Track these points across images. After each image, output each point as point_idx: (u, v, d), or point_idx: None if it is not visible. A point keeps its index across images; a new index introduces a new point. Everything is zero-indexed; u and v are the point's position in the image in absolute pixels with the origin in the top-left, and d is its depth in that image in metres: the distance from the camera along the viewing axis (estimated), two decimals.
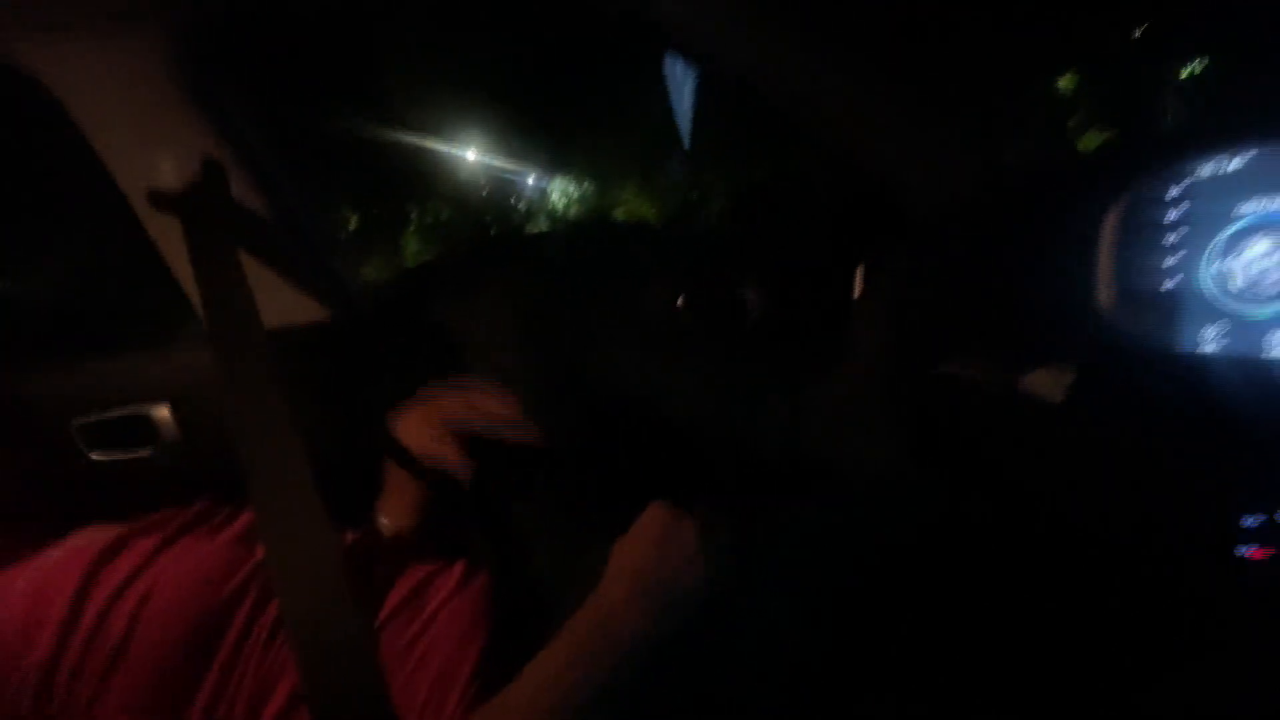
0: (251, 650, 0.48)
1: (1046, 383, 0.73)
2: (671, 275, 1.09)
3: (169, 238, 0.78)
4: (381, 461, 0.78)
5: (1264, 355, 0.44)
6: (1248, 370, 0.45)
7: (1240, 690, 0.52)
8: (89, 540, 0.49)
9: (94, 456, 0.86)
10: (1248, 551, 0.48)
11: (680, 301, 1.07)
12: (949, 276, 0.89)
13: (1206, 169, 0.47)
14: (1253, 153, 0.44)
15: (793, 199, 1.17)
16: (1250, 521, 0.48)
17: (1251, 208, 0.44)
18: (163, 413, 0.86)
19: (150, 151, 0.73)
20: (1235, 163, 0.45)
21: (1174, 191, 0.50)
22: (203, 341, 0.85)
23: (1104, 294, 0.57)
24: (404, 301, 1.15)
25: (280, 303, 0.85)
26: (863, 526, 0.67)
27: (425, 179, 8.54)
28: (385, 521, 0.67)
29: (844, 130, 0.96)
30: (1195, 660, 0.55)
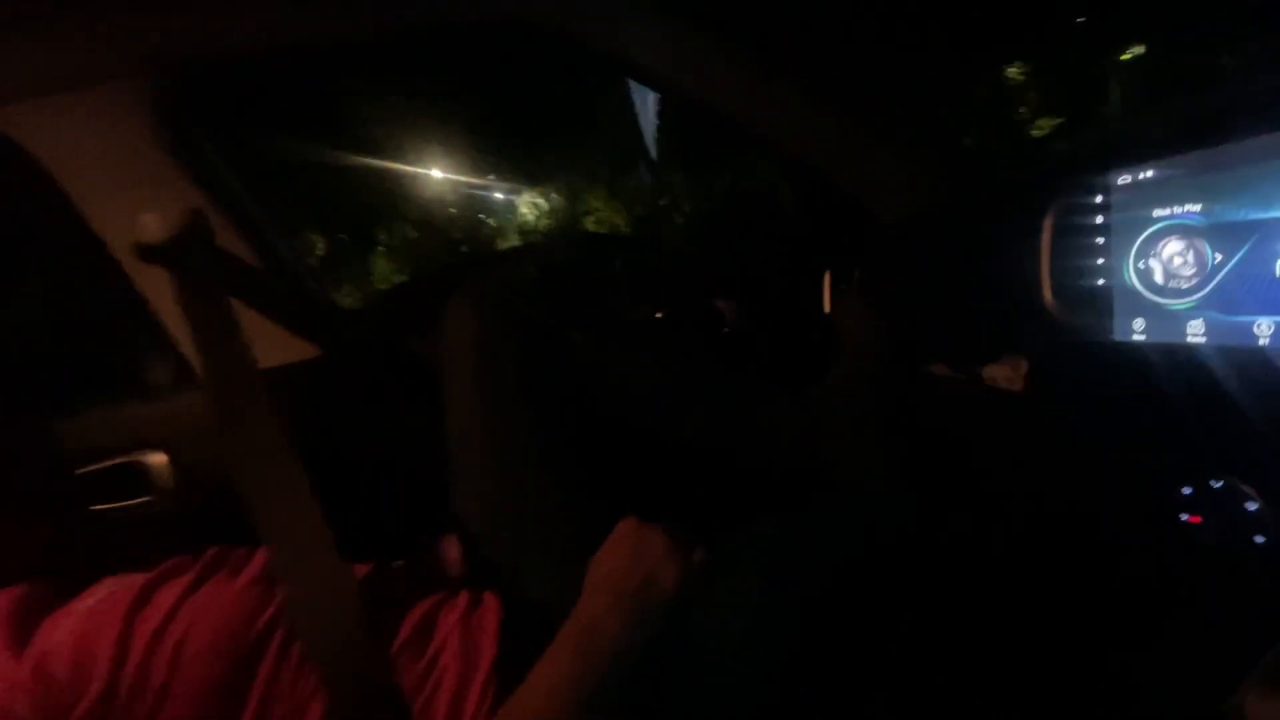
0: (284, 680, 0.50)
1: (1007, 374, 0.78)
2: (648, 290, 1.13)
3: (157, 289, 0.80)
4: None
5: (1182, 340, 0.49)
6: (1172, 355, 0.50)
7: (1191, 644, 0.57)
8: (118, 588, 0.51)
9: (93, 507, 0.87)
10: (1187, 518, 0.54)
11: (658, 315, 1.11)
12: (910, 278, 0.94)
13: (1125, 178, 0.52)
14: (1163, 164, 0.50)
15: (760, 213, 1.22)
16: (1187, 490, 0.54)
17: (1164, 212, 0.49)
18: (159, 460, 0.87)
19: (133, 205, 0.75)
20: (1149, 173, 0.51)
21: (1099, 198, 0.55)
22: (194, 387, 0.87)
23: (1046, 291, 0.62)
24: (383, 328, 1.16)
25: (271, 343, 0.87)
26: (850, 531, 0.70)
27: (391, 200, 8.47)
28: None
29: (803, 147, 1.01)
30: (1152, 621, 0.60)
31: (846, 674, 0.64)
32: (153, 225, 0.76)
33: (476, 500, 0.74)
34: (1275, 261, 0.43)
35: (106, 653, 0.45)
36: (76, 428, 0.86)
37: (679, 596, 0.55)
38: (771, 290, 1.14)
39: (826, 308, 1.08)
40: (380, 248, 8.40)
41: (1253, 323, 0.44)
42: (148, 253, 0.75)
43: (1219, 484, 0.51)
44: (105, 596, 0.50)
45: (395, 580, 0.65)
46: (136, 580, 0.52)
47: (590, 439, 0.84)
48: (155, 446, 0.87)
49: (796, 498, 1.09)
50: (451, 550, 0.74)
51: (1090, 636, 0.67)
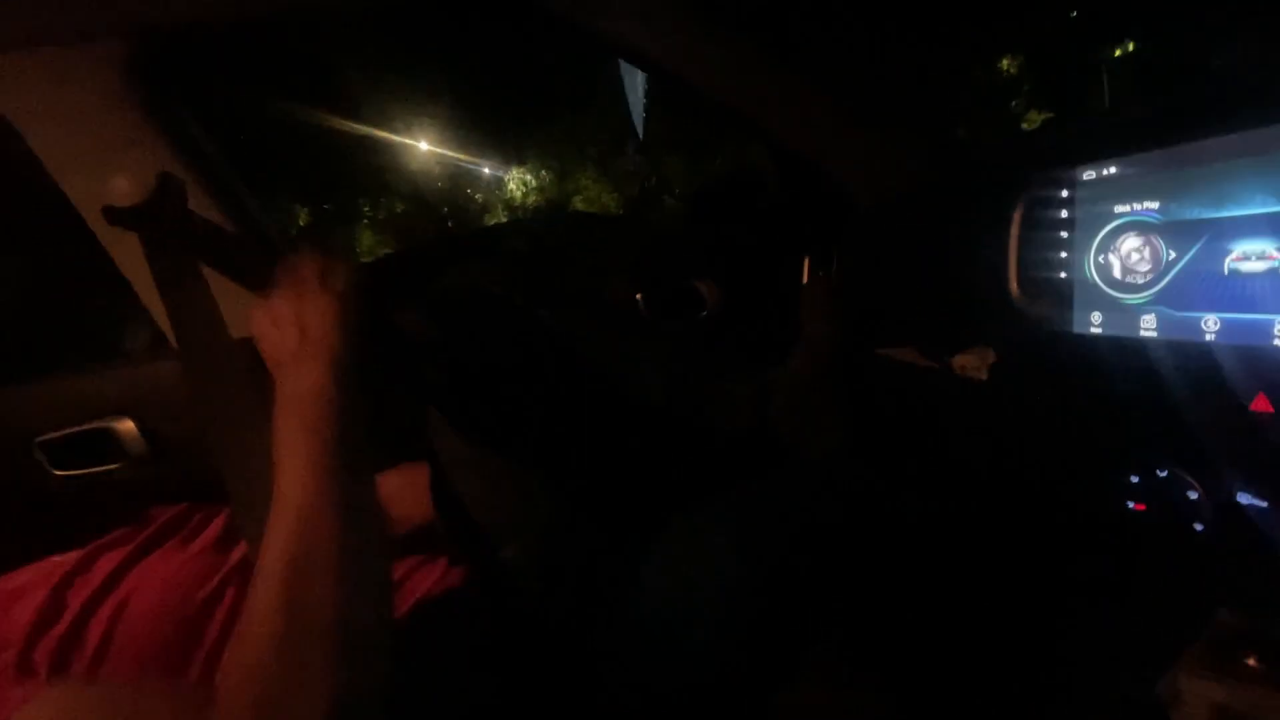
0: None
1: (973, 363, 0.80)
2: (629, 270, 1.13)
3: (128, 253, 0.78)
4: None
5: (1136, 334, 0.50)
6: (1125, 348, 0.52)
7: (1130, 625, 0.60)
8: (59, 560, 0.51)
9: (58, 474, 0.86)
10: (1133, 505, 0.56)
11: (639, 296, 1.11)
12: (885, 266, 0.95)
13: (1091, 174, 0.53)
14: (1126, 161, 0.51)
15: (743, 195, 1.22)
16: (1135, 479, 0.56)
17: (1125, 208, 0.50)
18: (127, 426, 0.86)
19: (105, 168, 0.73)
20: (1113, 169, 0.52)
21: (1065, 192, 0.56)
22: (163, 354, 0.86)
23: (1013, 283, 0.63)
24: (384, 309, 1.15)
25: (246, 312, 0.86)
26: (804, 504, 0.72)
27: (378, 172, 8.34)
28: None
29: (791, 132, 1.01)
30: (1094, 602, 0.63)
31: (804, 639, 0.66)
32: (123, 187, 0.74)
33: (454, 472, 0.75)
34: (1224, 259, 0.44)
35: (32, 611, 0.45)
36: (43, 393, 0.85)
37: (364, 331, 0.52)
38: (751, 273, 1.15)
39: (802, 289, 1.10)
40: (365, 220, 8.29)
41: (1200, 319, 0.46)
42: (118, 215, 0.74)
43: (1164, 473, 0.53)
44: (42, 566, 0.50)
45: None
46: (82, 551, 0.52)
47: (556, 414, 0.85)
48: (124, 413, 0.86)
49: (752, 470, 1.11)
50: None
51: (1033, 614, 0.69)
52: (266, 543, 0.40)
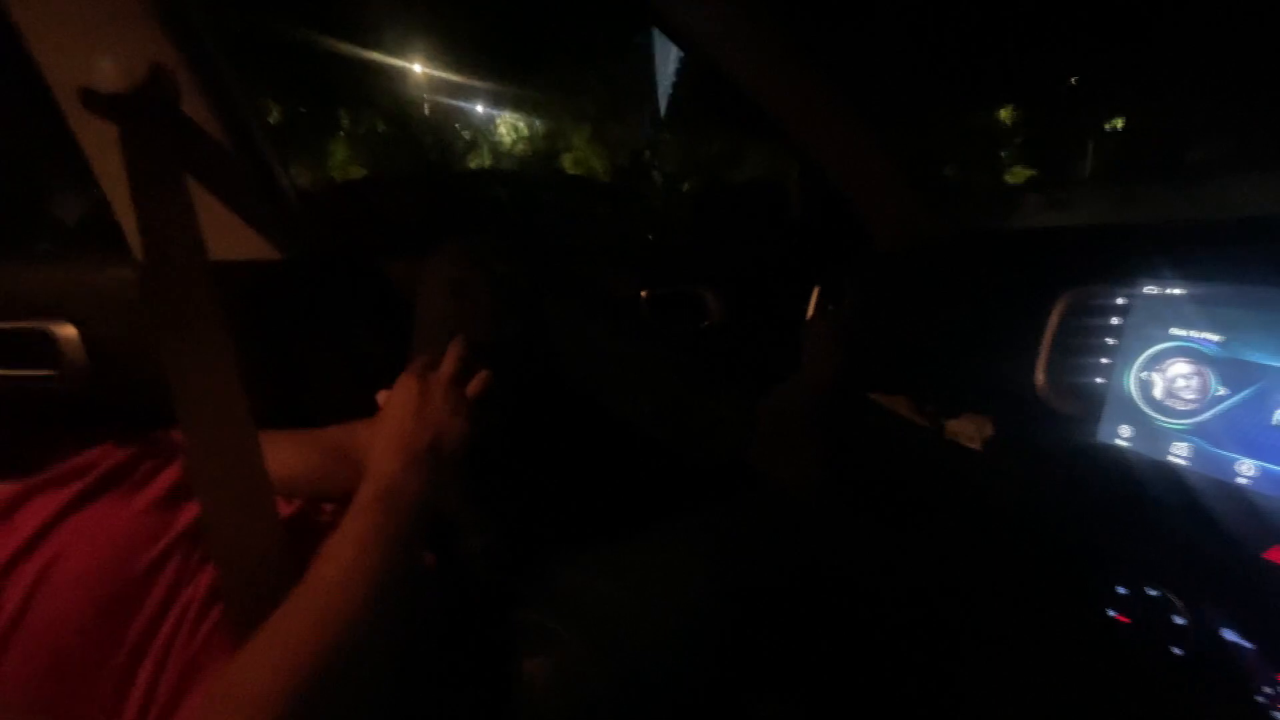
0: (172, 631, 0.45)
1: (967, 430, 0.80)
2: (637, 268, 1.09)
3: (100, 145, 0.69)
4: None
5: (1164, 459, 0.51)
6: (1148, 469, 0.52)
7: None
8: None
9: None
10: (1116, 614, 0.57)
11: (644, 295, 1.08)
12: (900, 315, 0.94)
13: (1153, 289, 0.53)
14: (1193, 285, 0.50)
15: (764, 207, 1.19)
16: (1122, 590, 0.57)
17: (1182, 332, 0.50)
18: (68, 331, 0.78)
19: (91, 49, 0.64)
20: (1177, 290, 0.51)
21: (1120, 300, 0.56)
22: (119, 261, 0.77)
23: (1040, 373, 0.63)
24: (353, 238, 1.08)
25: (227, 234, 0.78)
26: (788, 541, 0.72)
27: (362, 85, 7.86)
28: None
29: (825, 155, 0.99)
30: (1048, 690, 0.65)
31: (760, 679, 0.66)
32: (110, 72, 0.65)
33: None
34: (1276, 411, 0.44)
35: None
36: None
37: (464, 452, 0.57)
38: (759, 293, 1.13)
39: (807, 320, 1.09)
40: (342, 133, 7.82)
41: (1236, 460, 0.46)
42: (99, 102, 0.65)
43: (1155, 593, 0.54)
44: None
45: (326, 521, 0.60)
46: (14, 485, 0.46)
47: (545, 402, 0.82)
48: (66, 318, 0.77)
49: (726, 494, 1.11)
50: None
51: (979, 687, 0.71)
52: (313, 574, 0.44)
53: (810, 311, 1.08)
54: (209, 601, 0.47)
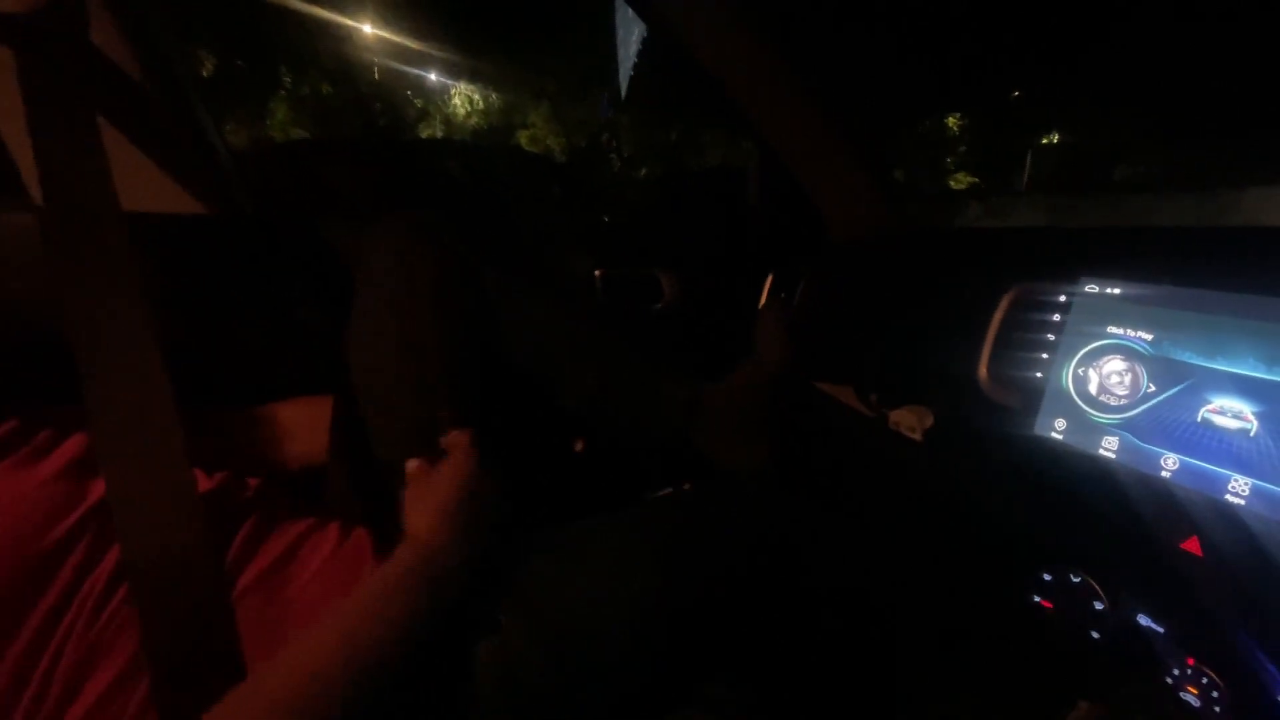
0: (79, 612, 0.41)
1: (909, 421, 0.82)
2: (591, 249, 1.06)
3: None
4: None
5: (1094, 452, 0.53)
6: (1079, 462, 0.54)
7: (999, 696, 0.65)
8: None
9: None
10: (1040, 600, 0.59)
11: (597, 273, 1.05)
12: (849, 306, 0.96)
13: (1093, 287, 0.55)
14: (1131, 285, 0.52)
15: (723, 193, 1.18)
16: (1048, 576, 0.59)
17: (1118, 330, 0.52)
18: None
19: None
20: (1116, 290, 0.53)
21: (1062, 297, 0.58)
22: (16, 206, 0.69)
23: (982, 367, 0.65)
24: (293, 199, 1.01)
25: (145, 184, 0.71)
26: (737, 529, 0.72)
27: (306, 42, 7.41)
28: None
29: (785, 143, 0.99)
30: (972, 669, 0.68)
31: (704, 669, 0.66)
32: None
33: (370, 423, 0.68)
34: (1200, 408, 0.46)
35: None
36: None
37: (496, 514, 0.59)
38: (714, 277, 1.12)
39: (760, 307, 1.09)
40: (283, 92, 7.34)
41: (1162, 455, 0.48)
42: None
43: (1078, 579, 0.56)
44: None
45: (252, 498, 0.56)
46: None
47: (491, 377, 0.80)
48: None
49: (672, 479, 1.11)
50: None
51: (919, 672, 0.74)
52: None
53: (763, 299, 1.08)
54: (114, 582, 0.43)
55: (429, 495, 0.55)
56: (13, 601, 0.40)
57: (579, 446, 0.92)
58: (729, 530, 0.73)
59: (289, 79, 7.33)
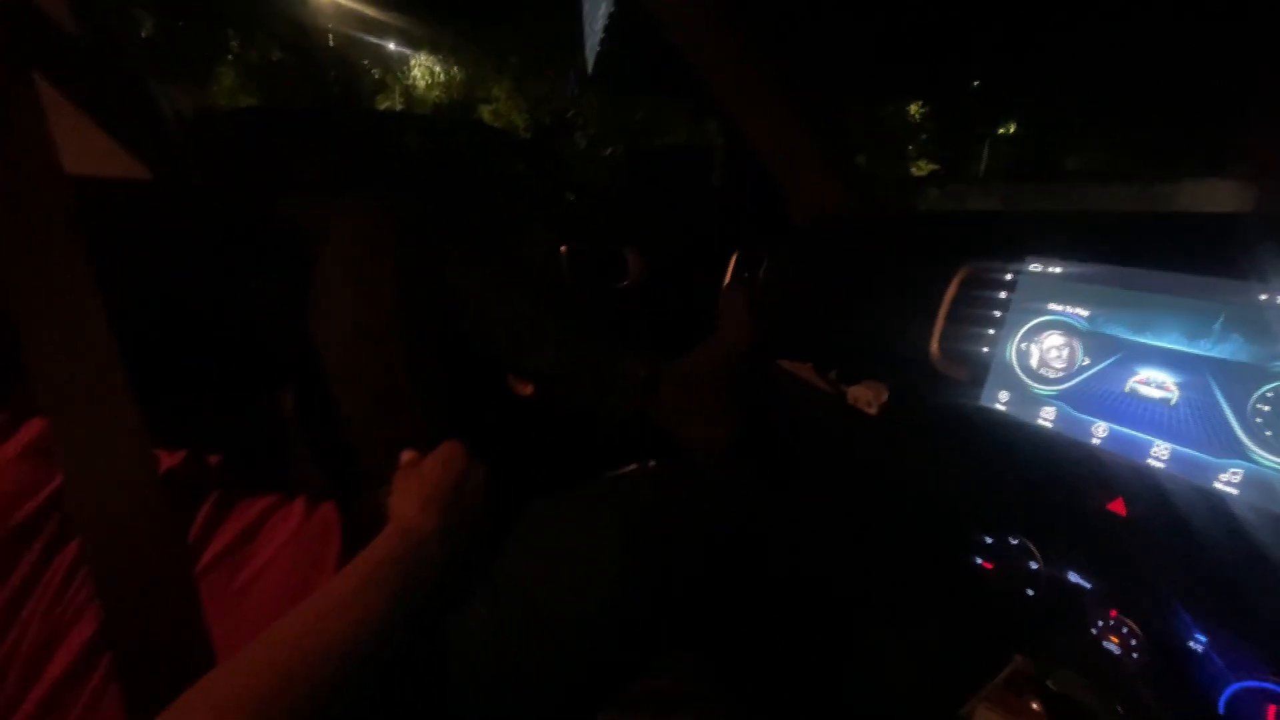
0: (44, 593, 0.40)
1: (865, 396, 0.85)
2: (554, 226, 1.06)
3: None
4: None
5: (1034, 422, 0.56)
6: (1019, 431, 0.57)
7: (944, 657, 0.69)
8: None
9: None
10: (982, 561, 0.63)
11: (562, 249, 1.05)
12: (810, 285, 0.98)
13: (1037, 266, 0.58)
14: (1070, 264, 0.55)
15: (690, 172, 1.19)
16: (989, 539, 0.63)
17: (1058, 307, 0.55)
18: None
19: None
20: (1056, 268, 0.56)
21: (1009, 276, 0.61)
22: None
23: (934, 341, 0.68)
24: (243, 169, 0.98)
25: (85, 146, 0.67)
26: (700, 508, 0.73)
27: (254, 4, 7.04)
28: None
29: (751, 124, 1.00)
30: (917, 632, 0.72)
31: (678, 628, 0.67)
32: None
33: (333, 401, 0.67)
34: (1127, 379, 0.50)
35: None
36: None
37: (483, 508, 0.59)
38: (679, 255, 1.13)
39: (724, 286, 1.11)
40: (230, 57, 6.95)
41: (1093, 423, 0.52)
42: None
43: (1016, 542, 0.60)
44: None
45: (213, 476, 0.55)
46: None
47: (456, 359, 0.79)
48: None
49: (633, 456, 1.12)
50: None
51: (864, 631, 0.77)
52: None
53: (727, 278, 1.10)
54: (79, 563, 0.42)
55: (418, 483, 0.55)
56: None
57: (528, 390, 0.92)
58: (690, 507, 0.74)
59: (236, 43, 6.95)
